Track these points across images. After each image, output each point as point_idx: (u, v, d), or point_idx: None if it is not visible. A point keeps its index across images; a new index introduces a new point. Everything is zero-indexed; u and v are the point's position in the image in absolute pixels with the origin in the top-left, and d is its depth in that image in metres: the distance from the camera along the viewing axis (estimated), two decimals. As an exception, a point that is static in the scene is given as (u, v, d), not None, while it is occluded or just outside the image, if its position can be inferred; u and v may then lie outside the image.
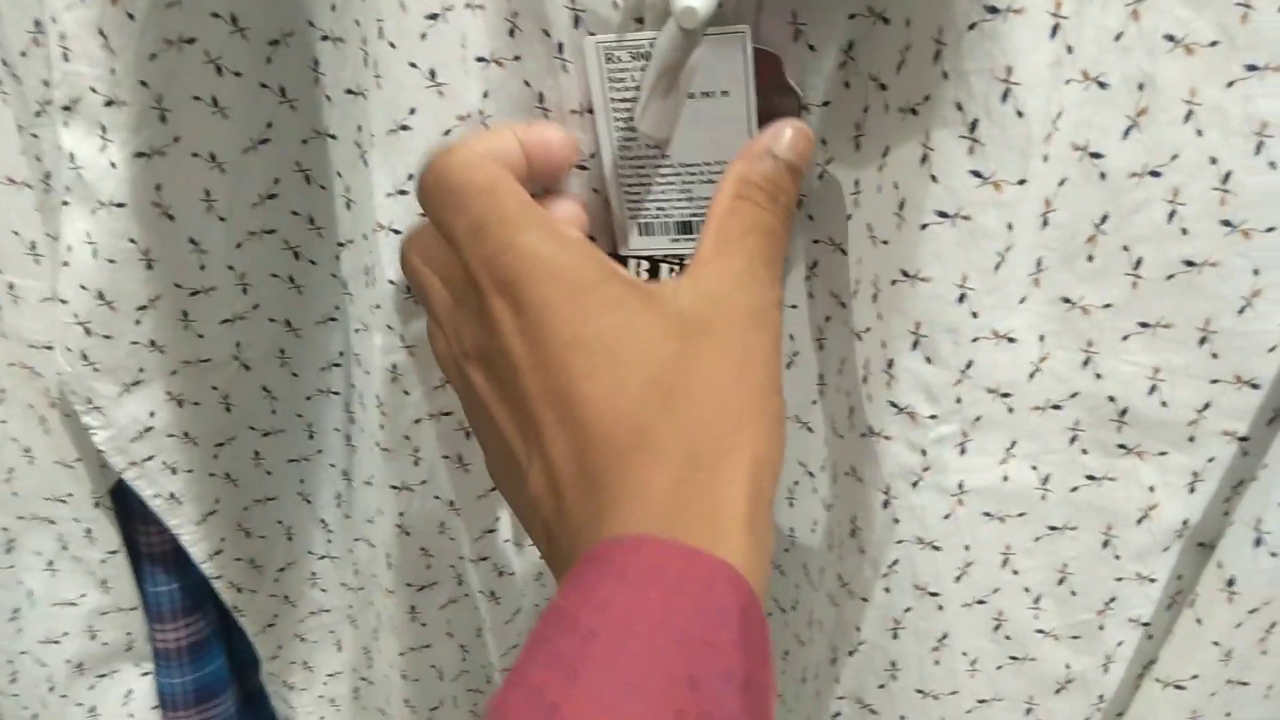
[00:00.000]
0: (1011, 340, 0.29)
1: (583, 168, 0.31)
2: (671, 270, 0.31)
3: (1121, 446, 0.32)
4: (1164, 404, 0.31)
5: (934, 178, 0.27)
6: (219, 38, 0.33)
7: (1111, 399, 0.31)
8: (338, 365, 0.42)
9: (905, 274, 0.28)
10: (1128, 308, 0.29)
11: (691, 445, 0.23)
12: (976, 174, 0.26)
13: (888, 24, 0.27)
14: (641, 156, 0.29)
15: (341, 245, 0.37)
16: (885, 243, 0.29)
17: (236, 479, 0.44)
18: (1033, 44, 0.25)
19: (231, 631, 0.51)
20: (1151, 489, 0.32)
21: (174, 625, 0.50)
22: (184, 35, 0.33)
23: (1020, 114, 0.25)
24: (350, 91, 0.33)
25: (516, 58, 0.31)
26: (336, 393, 0.43)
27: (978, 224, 0.27)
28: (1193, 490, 0.32)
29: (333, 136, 0.35)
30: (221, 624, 0.52)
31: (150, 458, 0.42)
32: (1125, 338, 0.30)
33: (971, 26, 0.25)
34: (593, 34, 0.29)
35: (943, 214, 0.27)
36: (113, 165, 0.34)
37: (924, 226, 0.27)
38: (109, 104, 0.33)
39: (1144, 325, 0.30)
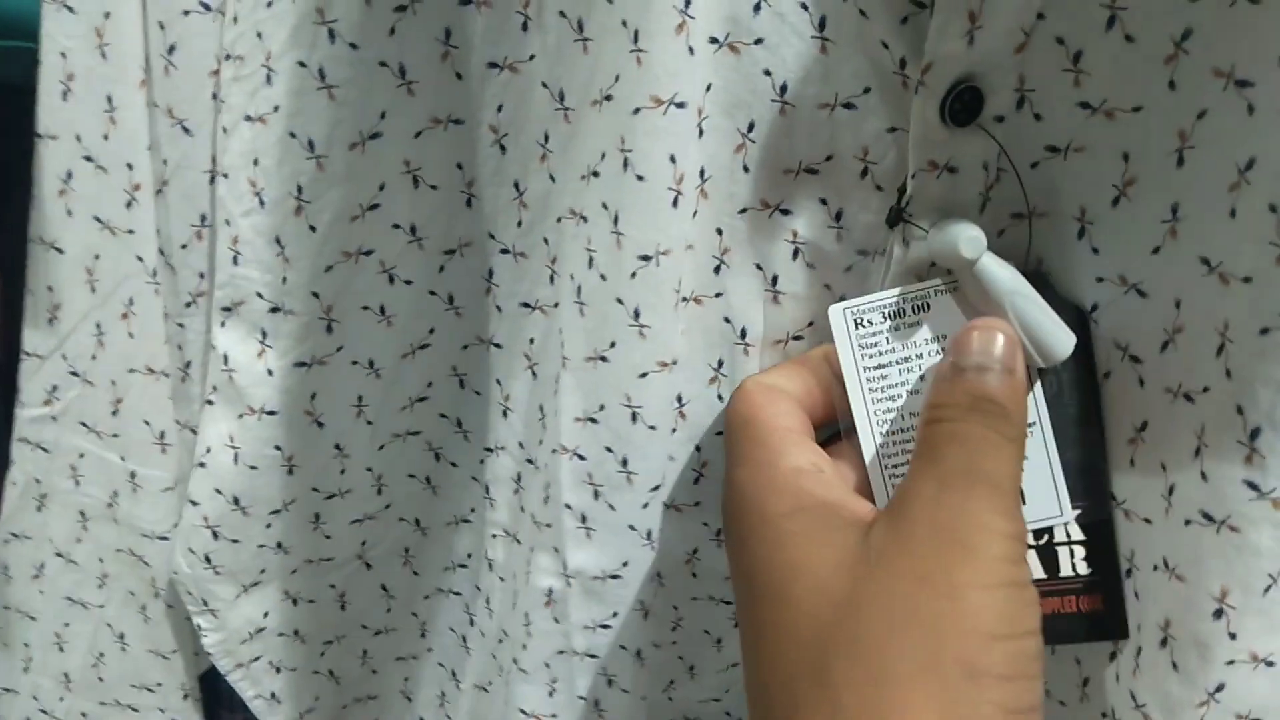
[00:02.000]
0: (1270, 665, 0.26)
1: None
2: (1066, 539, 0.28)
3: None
4: None
5: (1203, 475, 0.25)
6: (396, 248, 0.32)
7: None
8: (464, 566, 0.39)
9: (1166, 563, 0.26)
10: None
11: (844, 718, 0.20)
12: (1252, 485, 0.24)
13: (1144, 298, 0.26)
14: (908, 427, 0.26)
15: (489, 450, 0.35)
16: (1147, 521, 0.27)
17: (340, 677, 0.41)
18: (1334, 378, 0.23)
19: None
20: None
21: (247, 818, 0.45)
22: (363, 248, 0.31)
23: (1312, 430, 0.23)
24: (526, 305, 0.32)
25: (718, 294, 0.29)
26: (458, 593, 0.40)
27: (1247, 540, 0.24)
28: None
29: (498, 345, 0.33)
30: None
31: (258, 658, 0.39)
32: None
33: (1264, 332, 0.23)
34: (811, 265, 0.28)
35: (1208, 516, 0.25)
36: (269, 373, 0.32)
37: (1187, 523, 0.25)
38: (274, 311, 0.32)
39: None
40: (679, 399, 0.29)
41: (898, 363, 0.26)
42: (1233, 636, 0.25)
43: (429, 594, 0.40)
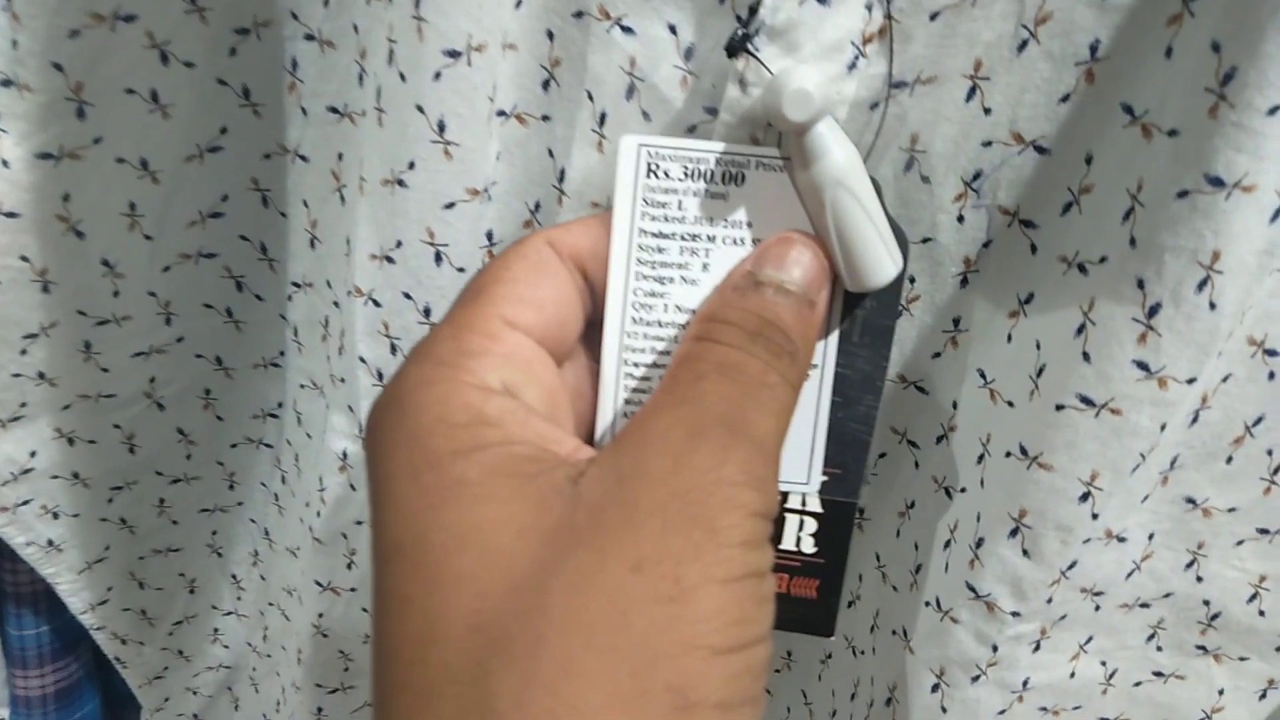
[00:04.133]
0: (1122, 540, 0.26)
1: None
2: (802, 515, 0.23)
3: (1200, 648, 0.29)
4: (1261, 613, 0.28)
5: (1086, 356, 0.22)
6: (169, 18, 0.26)
7: (1206, 602, 0.28)
8: (274, 416, 0.36)
9: (1024, 451, 0.23)
10: (1251, 513, 0.26)
11: None
12: (1142, 366, 0.21)
13: (1044, 154, 0.22)
14: (667, 323, 0.21)
15: (297, 286, 0.31)
16: (1010, 404, 0.24)
17: (134, 526, 0.38)
18: (1251, 228, 0.20)
19: (108, 669, 0.44)
20: (1221, 692, 0.30)
21: (39, 672, 0.42)
22: (120, 10, 0.25)
23: (1214, 306, 0.21)
24: (335, 110, 0.27)
25: (545, 117, 0.24)
26: (269, 445, 0.36)
27: (1127, 421, 0.22)
28: (1263, 697, 0.29)
29: (303, 158, 0.28)
30: (96, 664, 0.45)
31: (26, 502, 0.35)
32: (1239, 543, 0.27)
33: (1182, 195, 0.20)
34: (646, 115, 0.23)
35: (1086, 400, 0.22)
36: (5, 164, 0.27)
37: (1060, 408, 0.22)
38: (5, 84, 0.26)
39: (1262, 531, 0.27)
40: (489, 237, 0.25)
41: (683, 238, 0.20)
42: (1095, 517, 0.23)
43: (236, 443, 0.37)
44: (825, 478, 0.22)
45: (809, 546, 0.23)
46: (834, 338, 0.21)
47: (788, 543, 0.23)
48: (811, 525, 0.23)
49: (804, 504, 0.23)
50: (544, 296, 0.19)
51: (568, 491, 0.16)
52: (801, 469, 0.22)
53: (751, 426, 0.17)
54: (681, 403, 0.17)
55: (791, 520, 0.23)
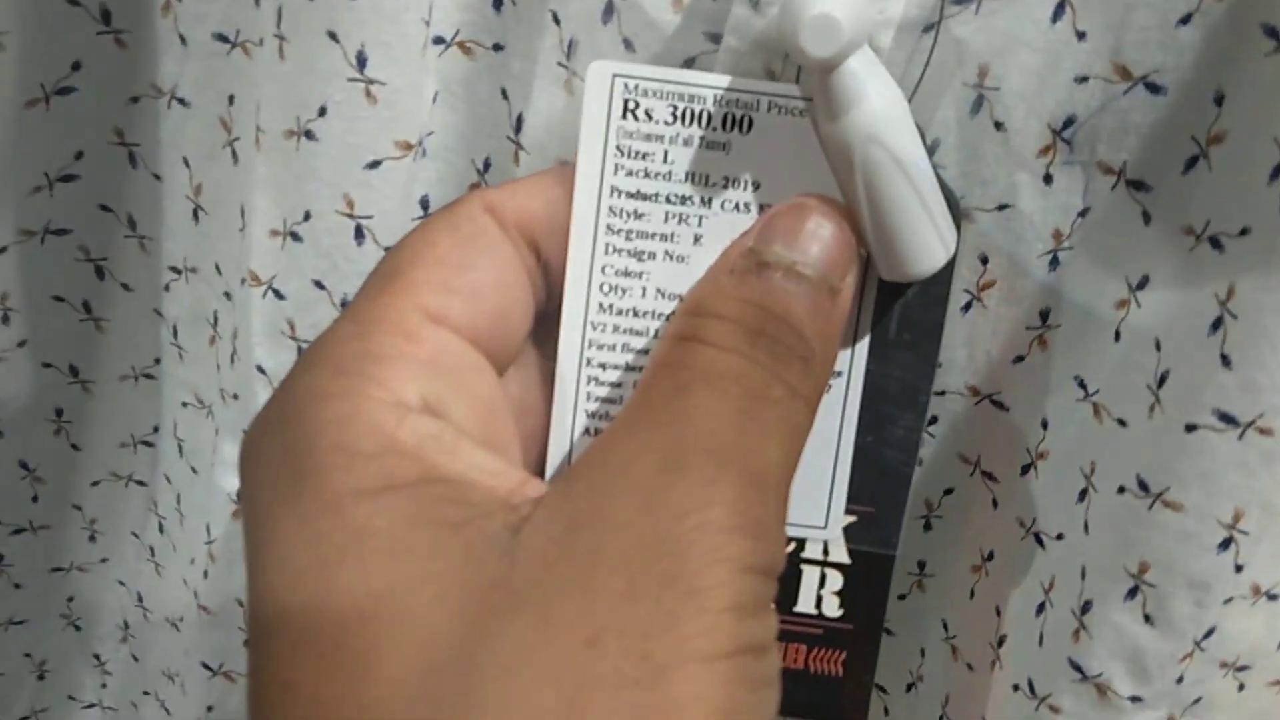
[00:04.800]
0: (1272, 598, 0.23)
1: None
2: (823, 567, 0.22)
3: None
4: None
5: (1225, 359, 0.20)
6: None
7: None
8: (148, 444, 0.33)
9: (1143, 486, 0.21)
10: None
11: None
12: (1301, 370, 0.21)
13: (1158, 93, 0.20)
14: (645, 314, 0.19)
15: (176, 271, 0.28)
16: (1121, 424, 0.22)
17: (-37, 592, 0.37)
18: None
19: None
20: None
21: None
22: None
23: (1387, 289, 0.20)
24: (223, 39, 0.25)
25: (497, 46, 0.23)
26: (141, 483, 0.33)
27: (1280, 445, 0.22)
28: None
29: (182, 102, 0.26)
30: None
31: None
32: None
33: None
34: (629, 44, 0.21)
35: (1226, 417, 0.20)
36: None
37: (1191, 428, 0.20)
38: None
39: None
40: (424, 205, 0.23)
41: (669, 201, 0.18)
42: (1238, 569, 0.22)
43: (99, 479, 0.34)
44: (852, 519, 0.20)
45: (833, 609, 0.21)
46: (864, 348, 0.20)
47: (805, 604, 0.21)
48: (836, 581, 0.21)
49: (826, 554, 0.21)
50: (479, 281, 0.17)
51: (506, 543, 0.14)
52: (818, 509, 0.20)
53: (747, 454, 0.15)
54: (656, 424, 0.16)
55: (810, 574, 0.21)
